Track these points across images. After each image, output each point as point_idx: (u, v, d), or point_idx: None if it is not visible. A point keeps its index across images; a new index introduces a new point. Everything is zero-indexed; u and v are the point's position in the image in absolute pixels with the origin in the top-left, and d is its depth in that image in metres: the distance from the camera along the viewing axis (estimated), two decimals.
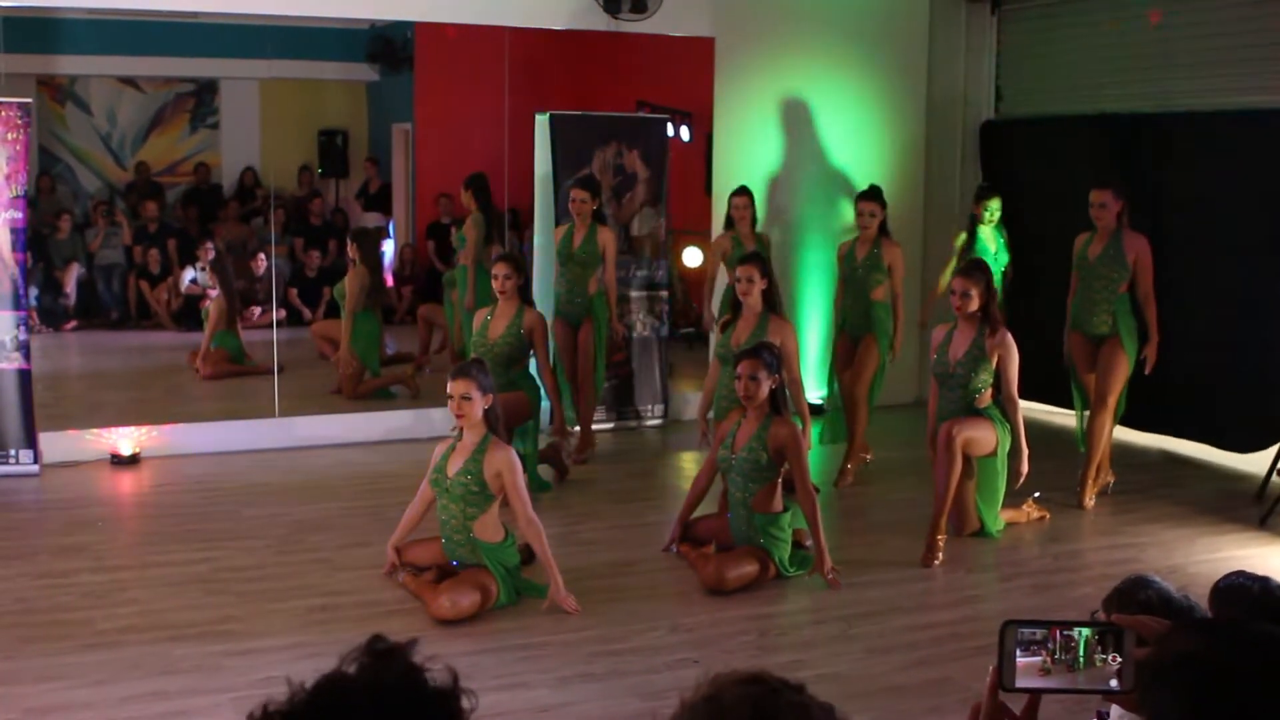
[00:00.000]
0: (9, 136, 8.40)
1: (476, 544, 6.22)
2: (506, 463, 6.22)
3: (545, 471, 8.52)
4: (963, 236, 9.72)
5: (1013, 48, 11.23)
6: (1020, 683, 2.16)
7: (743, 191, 9.42)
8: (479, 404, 6.21)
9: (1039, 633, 2.15)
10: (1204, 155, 9.19)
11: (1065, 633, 2.14)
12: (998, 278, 9.17)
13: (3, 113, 8.40)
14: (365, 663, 1.74)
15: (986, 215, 9.54)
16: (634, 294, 10.31)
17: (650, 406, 10.43)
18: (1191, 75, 9.57)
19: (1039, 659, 2.14)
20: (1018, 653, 2.15)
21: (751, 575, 6.59)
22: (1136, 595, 3.47)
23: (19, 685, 5.28)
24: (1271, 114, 8.84)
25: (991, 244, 9.56)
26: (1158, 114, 9.68)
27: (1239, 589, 3.45)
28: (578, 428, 9.29)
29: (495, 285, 8.08)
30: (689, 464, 9.53)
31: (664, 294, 10.46)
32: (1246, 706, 1.78)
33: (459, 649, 5.71)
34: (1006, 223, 9.71)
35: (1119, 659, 2.12)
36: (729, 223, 9.47)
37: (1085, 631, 2.14)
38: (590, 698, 5.31)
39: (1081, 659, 2.13)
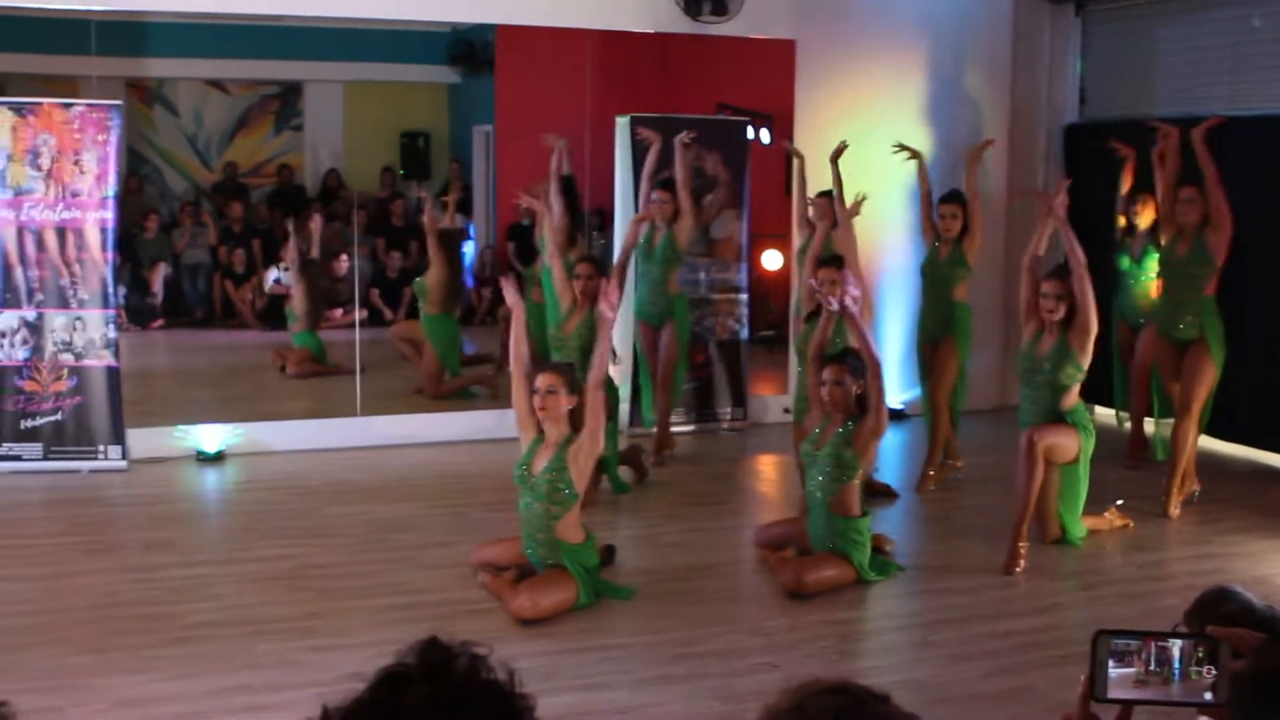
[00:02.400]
0: (99, 138, 8.55)
1: (558, 544, 6.24)
2: (579, 440, 6.26)
3: (624, 473, 8.53)
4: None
5: (1097, 50, 11.10)
6: (1112, 693, 2.14)
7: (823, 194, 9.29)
8: (564, 401, 6.24)
9: (1133, 644, 2.13)
10: None
11: (1160, 644, 2.12)
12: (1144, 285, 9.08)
13: (93, 115, 8.56)
14: (426, 660, 1.74)
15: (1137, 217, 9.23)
16: (714, 296, 10.31)
17: (729, 409, 10.42)
18: (1276, 77, 9.41)
19: (1133, 670, 2.12)
20: (1110, 663, 2.14)
21: (831, 579, 6.56)
22: (1219, 608, 3.41)
23: (107, 677, 5.37)
24: None
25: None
26: (1243, 116, 9.53)
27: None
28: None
29: (578, 285, 8.11)
30: (768, 467, 9.52)
31: (743, 297, 10.45)
32: None
33: (539, 649, 5.74)
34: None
35: (1214, 671, 2.10)
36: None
37: (1180, 643, 2.12)
38: (670, 700, 5.31)
39: (1177, 671, 2.11)
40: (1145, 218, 9.17)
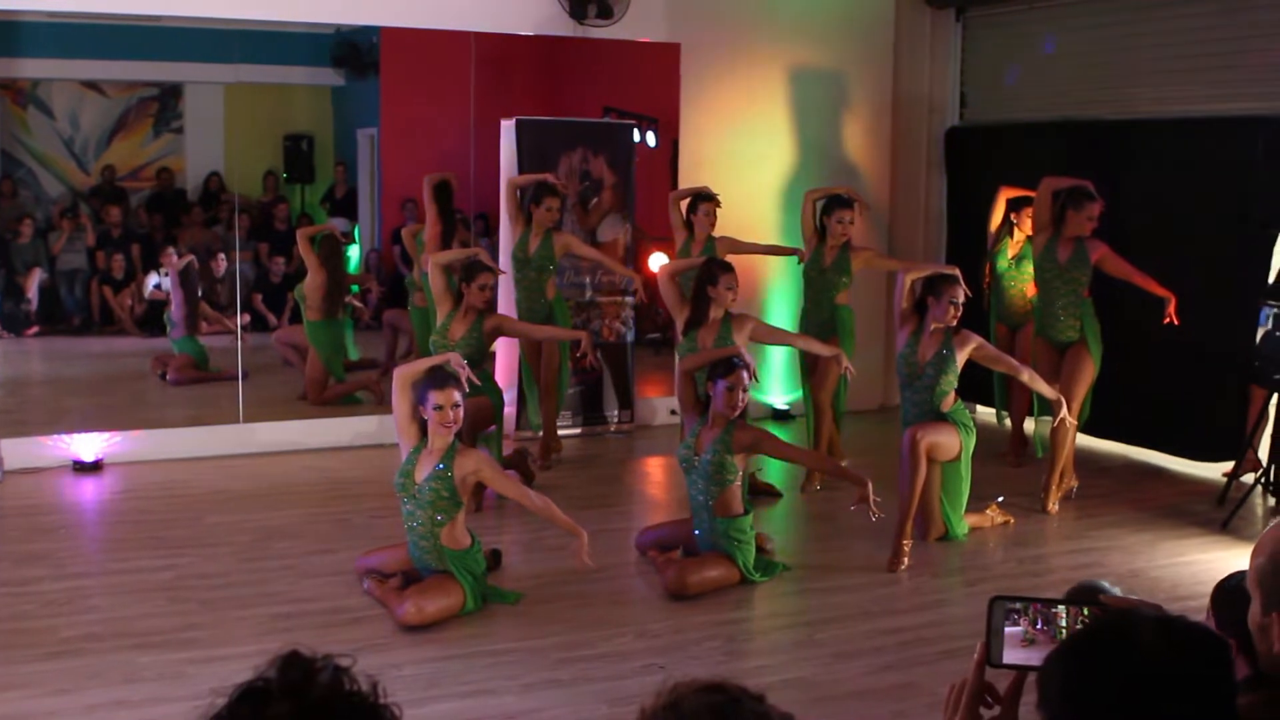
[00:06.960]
0: None
1: (443, 551, 6.20)
2: (480, 460, 6.30)
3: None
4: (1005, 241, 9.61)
5: (977, 55, 11.29)
6: (1007, 659, 2.18)
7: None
8: (462, 411, 6.22)
9: (1024, 606, 2.18)
10: (1166, 162, 9.25)
11: (1051, 609, 2.17)
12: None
13: None
14: (286, 675, 1.71)
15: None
16: (600, 300, 10.31)
17: (616, 412, 10.42)
18: (1154, 83, 9.65)
19: (1020, 629, 2.17)
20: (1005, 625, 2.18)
21: (714, 580, 6.59)
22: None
23: None
24: (1233, 121, 8.92)
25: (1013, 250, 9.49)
26: (1120, 121, 9.75)
27: (1239, 589, 3.39)
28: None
29: (478, 296, 7.97)
30: (655, 470, 9.54)
31: (630, 300, 10.45)
32: (1101, 690, 1.76)
33: (425, 655, 5.71)
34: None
35: None
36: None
37: (1066, 608, 2.17)
38: (557, 704, 5.30)
39: (1064, 630, 2.15)
40: (1027, 224, 9.33)
